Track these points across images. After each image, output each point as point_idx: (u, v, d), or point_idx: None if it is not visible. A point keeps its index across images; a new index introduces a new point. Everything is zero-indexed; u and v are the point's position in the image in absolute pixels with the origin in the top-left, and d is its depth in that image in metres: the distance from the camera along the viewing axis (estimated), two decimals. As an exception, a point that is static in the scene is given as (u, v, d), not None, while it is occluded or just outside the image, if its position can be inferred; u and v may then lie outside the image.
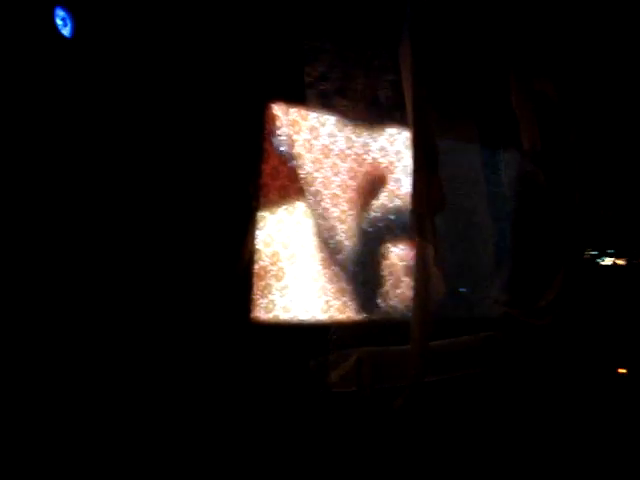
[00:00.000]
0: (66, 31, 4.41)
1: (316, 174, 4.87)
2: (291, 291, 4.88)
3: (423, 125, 3.96)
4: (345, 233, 4.95)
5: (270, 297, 4.82)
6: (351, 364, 4.64)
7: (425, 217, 3.90)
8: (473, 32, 4.97)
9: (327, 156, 4.99)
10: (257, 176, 4.75)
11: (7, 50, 4.08)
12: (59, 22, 4.37)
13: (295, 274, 4.89)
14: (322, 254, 4.92)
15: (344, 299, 4.95)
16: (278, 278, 4.85)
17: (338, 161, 5.02)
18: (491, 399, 4.82)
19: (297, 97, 4.80)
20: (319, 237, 4.89)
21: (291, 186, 4.91)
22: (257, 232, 4.80)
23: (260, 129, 4.77)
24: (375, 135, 5.14)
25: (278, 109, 4.86)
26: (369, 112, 4.97)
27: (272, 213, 4.88)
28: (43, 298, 3.99)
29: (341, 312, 4.95)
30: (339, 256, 4.95)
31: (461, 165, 5.44)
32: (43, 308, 3.98)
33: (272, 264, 4.85)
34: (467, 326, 5.08)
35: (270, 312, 4.81)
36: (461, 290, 5.29)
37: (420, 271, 3.92)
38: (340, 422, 4.36)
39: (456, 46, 4.87)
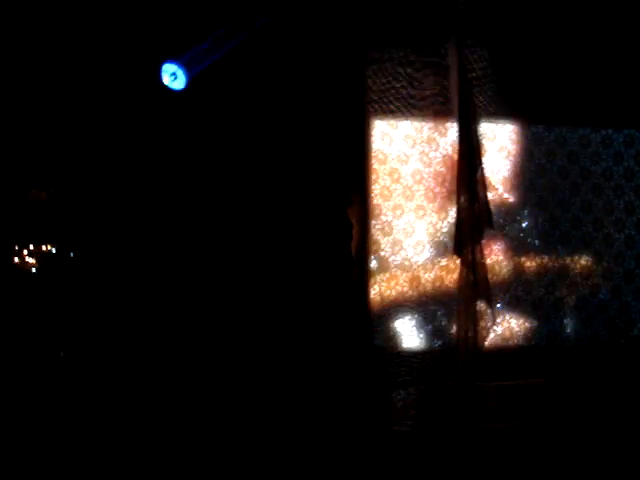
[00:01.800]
0: (177, 84, 4.73)
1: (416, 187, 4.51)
2: (413, 319, 4.60)
3: (467, 131, 3.38)
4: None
5: (389, 324, 4.62)
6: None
7: (468, 237, 3.31)
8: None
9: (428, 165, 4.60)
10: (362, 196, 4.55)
11: (116, 105, 4.60)
12: (168, 77, 4.71)
13: (418, 300, 4.58)
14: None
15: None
16: (397, 303, 4.61)
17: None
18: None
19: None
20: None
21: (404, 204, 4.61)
22: (371, 257, 4.62)
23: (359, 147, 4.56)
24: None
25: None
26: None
27: (385, 234, 4.64)
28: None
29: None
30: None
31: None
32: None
33: (389, 289, 4.63)
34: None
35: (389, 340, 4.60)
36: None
37: (463, 302, 3.38)
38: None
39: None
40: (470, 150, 3.37)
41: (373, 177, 4.62)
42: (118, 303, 4.57)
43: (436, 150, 4.62)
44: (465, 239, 3.37)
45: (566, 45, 4.62)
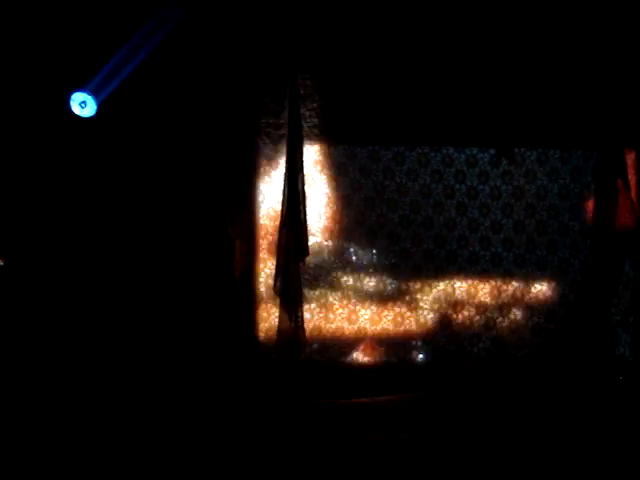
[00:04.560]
0: (86, 112, 5.06)
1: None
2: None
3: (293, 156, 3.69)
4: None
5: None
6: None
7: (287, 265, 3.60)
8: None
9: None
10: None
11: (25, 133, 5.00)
12: (78, 105, 5.05)
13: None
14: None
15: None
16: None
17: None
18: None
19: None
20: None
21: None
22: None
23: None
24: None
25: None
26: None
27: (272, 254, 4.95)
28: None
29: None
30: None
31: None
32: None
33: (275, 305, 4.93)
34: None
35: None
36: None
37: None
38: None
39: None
40: (293, 173, 3.64)
41: (261, 199, 4.97)
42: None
43: (320, 172, 4.96)
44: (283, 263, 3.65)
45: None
